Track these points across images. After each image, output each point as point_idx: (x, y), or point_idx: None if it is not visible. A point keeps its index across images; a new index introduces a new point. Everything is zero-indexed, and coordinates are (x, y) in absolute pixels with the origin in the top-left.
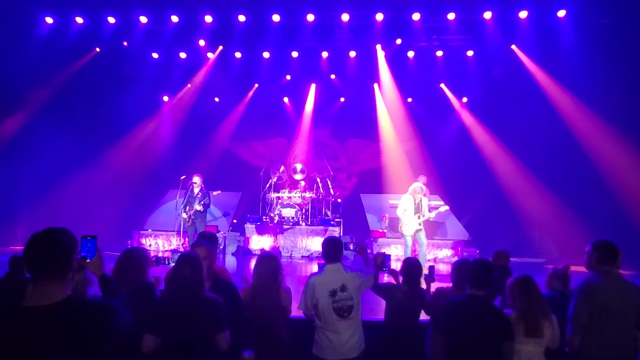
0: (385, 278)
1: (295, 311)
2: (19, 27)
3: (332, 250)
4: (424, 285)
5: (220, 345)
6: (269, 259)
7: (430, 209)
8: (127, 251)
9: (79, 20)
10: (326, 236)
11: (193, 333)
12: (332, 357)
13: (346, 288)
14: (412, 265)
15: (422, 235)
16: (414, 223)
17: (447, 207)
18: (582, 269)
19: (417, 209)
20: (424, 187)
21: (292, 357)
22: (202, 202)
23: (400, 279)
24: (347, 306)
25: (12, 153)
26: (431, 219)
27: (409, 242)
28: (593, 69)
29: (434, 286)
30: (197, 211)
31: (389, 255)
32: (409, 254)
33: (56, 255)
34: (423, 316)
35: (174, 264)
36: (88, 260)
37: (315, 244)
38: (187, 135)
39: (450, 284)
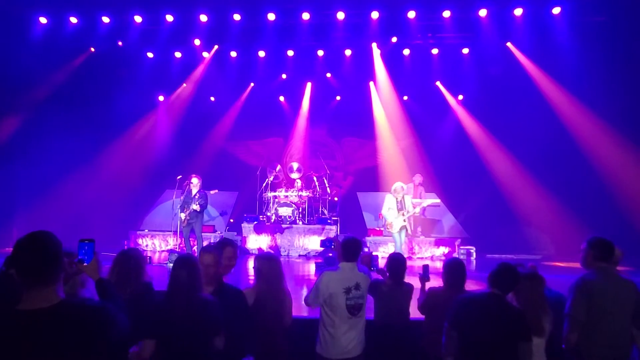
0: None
1: (295, 312)
2: (12, 27)
3: (351, 249)
4: (416, 285)
5: (216, 345)
6: (273, 260)
7: (416, 205)
8: (125, 253)
9: (73, 20)
10: (344, 235)
11: (191, 334)
12: (338, 356)
13: (360, 287)
14: (395, 259)
15: (403, 234)
16: (399, 220)
17: (438, 200)
18: (578, 265)
19: (400, 207)
20: (404, 185)
21: (291, 358)
22: (198, 202)
23: (387, 274)
24: (358, 304)
25: (8, 154)
26: (416, 214)
27: (397, 238)
28: (588, 65)
29: (429, 285)
30: (193, 211)
31: (377, 256)
32: (399, 250)
33: (44, 261)
34: (418, 316)
35: (171, 265)
36: (85, 264)
37: (312, 243)
38: (183, 135)
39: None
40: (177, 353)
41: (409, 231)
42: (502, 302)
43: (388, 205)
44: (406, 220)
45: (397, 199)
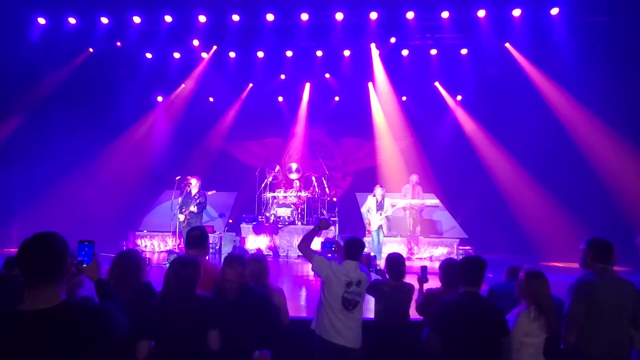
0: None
1: (294, 312)
2: (11, 27)
3: (354, 249)
4: (416, 285)
5: (211, 344)
6: (252, 261)
7: (394, 204)
8: (125, 254)
9: (72, 20)
10: (345, 236)
11: (185, 332)
12: (337, 341)
13: (360, 284)
14: (394, 259)
15: (381, 233)
16: (377, 220)
17: (436, 201)
18: (576, 265)
19: (379, 207)
20: (383, 189)
21: (289, 358)
22: (196, 203)
23: (387, 276)
24: (355, 301)
25: (6, 155)
26: (389, 216)
27: (375, 237)
28: (586, 66)
29: (427, 286)
30: (192, 212)
31: (375, 256)
32: (374, 248)
33: (49, 260)
34: (415, 316)
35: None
36: (85, 265)
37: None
38: (182, 136)
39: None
40: (173, 352)
41: (385, 230)
42: (479, 300)
43: (368, 205)
44: (383, 219)
45: (377, 199)
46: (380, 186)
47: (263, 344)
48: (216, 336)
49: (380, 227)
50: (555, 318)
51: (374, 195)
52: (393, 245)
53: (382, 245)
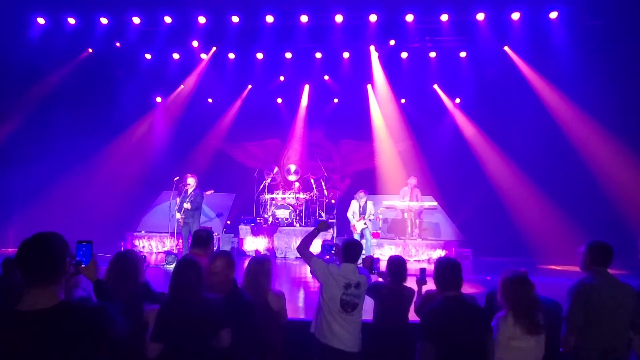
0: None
1: (291, 314)
2: (10, 27)
3: (352, 251)
4: (414, 287)
5: (222, 341)
6: (254, 262)
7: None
8: (122, 255)
9: (71, 21)
10: (347, 237)
11: (196, 333)
12: (335, 345)
13: (359, 286)
14: (395, 262)
15: (367, 232)
16: (360, 223)
17: (435, 203)
18: (576, 269)
19: (362, 211)
20: (365, 194)
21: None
22: (190, 200)
23: (388, 278)
24: (354, 303)
25: (4, 155)
26: (370, 220)
27: (358, 239)
28: (585, 69)
29: (426, 288)
30: (187, 210)
31: (378, 258)
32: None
33: (49, 261)
34: (414, 318)
35: (168, 266)
36: (83, 266)
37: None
38: (180, 137)
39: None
40: (184, 352)
41: (370, 229)
42: (461, 302)
43: (352, 210)
44: (366, 223)
45: (360, 204)
46: (363, 191)
47: (239, 349)
48: (227, 334)
49: (364, 229)
50: (536, 320)
51: (357, 201)
52: (391, 247)
53: (371, 245)
